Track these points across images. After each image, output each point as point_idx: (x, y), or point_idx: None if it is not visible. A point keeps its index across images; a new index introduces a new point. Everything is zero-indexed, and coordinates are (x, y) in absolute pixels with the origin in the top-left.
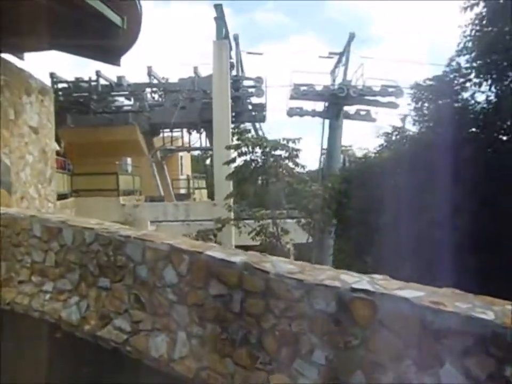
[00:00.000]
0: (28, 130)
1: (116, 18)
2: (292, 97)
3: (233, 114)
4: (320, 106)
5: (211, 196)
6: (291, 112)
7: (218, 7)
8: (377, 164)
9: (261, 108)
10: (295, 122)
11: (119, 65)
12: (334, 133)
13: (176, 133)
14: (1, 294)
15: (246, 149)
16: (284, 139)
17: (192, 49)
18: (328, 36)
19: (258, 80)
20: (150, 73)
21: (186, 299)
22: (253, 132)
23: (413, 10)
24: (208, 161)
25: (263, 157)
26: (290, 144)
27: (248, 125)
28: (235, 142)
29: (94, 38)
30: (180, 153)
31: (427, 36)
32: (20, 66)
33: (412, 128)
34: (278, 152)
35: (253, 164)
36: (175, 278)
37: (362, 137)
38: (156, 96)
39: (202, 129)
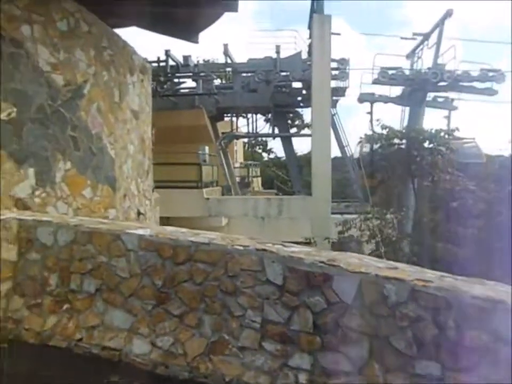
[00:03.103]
0: (130, 115)
1: None
2: (376, 82)
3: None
4: (393, 92)
5: (264, 184)
6: (363, 98)
7: None
8: None
9: (342, 92)
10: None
11: (197, 42)
12: (416, 122)
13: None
14: (212, 364)
15: (393, 140)
16: (441, 130)
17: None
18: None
19: (343, 62)
20: (226, 52)
21: None
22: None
23: None
24: (257, 148)
25: (414, 151)
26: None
27: None
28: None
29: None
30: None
31: None
32: (124, 40)
33: None
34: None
35: (406, 157)
36: None
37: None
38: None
39: (271, 115)
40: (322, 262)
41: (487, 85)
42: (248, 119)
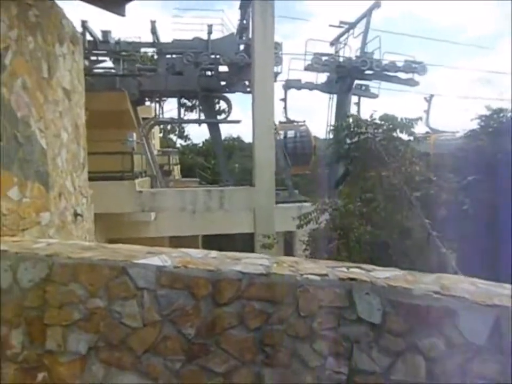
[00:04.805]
0: (62, 95)
1: None
2: (308, 68)
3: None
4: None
5: (182, 172)
6: (289, 85)
7: None
8: None
9: (275, 77)
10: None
11: (123, 14)
12: (343, 110)
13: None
14: None
15: (358, 129)
16: (405, 118)
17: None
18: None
19: (276, 46)
20: (154, 30)
21: None
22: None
23: None
24: (172, 136)
25: (381, 139)
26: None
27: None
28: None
29: None
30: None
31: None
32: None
33: None
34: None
35: (372, 147)
36: None
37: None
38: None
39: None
40: (437, 292)
41: (409, 75)
42: (161, 105)
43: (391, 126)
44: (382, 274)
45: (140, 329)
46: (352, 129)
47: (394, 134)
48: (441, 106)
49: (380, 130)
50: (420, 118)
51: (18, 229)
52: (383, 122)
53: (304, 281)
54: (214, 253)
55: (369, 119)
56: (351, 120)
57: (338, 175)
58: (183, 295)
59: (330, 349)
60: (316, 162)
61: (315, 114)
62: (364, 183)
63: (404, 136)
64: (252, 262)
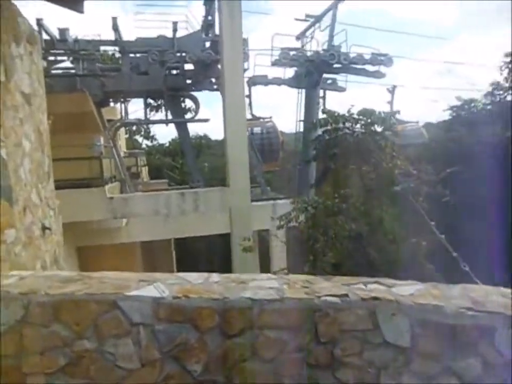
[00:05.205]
0: (21, 100)
1: None
2: (276, 63)
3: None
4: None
5: (150, 173)
6: (254, 81)
7: None
8: None
9: None
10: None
11: (82, 11)
12: (312, 104)
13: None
14: None
15: (335, 125)
16: (383, 112)
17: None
18: None
19: (243, 42)
20: (116, 27)
21: None
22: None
23: None
24: (138, 137)
25: (359, 134)
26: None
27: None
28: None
29: None
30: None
31: None
32: None
33: None
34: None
35: (352, 142)
36: None
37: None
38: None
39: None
40: (470, 308)
41: (376, 68)
42: (125, 105)
43: (369, 121)
44: (405, 290)
45: (137, 370)
46: (330, 125)
47: (373, 128)
48: (403, 97)
49: (358, 125)
50: (398, 112)
51: None
52: (361, 117)
53: (322, 304)
54: (215, 277)
55: (346, 114)
56: (327, 115)
57: (311, 171)
58: (185, 328)
59: (355, 377)
60: (284, 159)
61: (280, 110)
62: (344, 180)
63: (381, 130)
64: (260, 286)
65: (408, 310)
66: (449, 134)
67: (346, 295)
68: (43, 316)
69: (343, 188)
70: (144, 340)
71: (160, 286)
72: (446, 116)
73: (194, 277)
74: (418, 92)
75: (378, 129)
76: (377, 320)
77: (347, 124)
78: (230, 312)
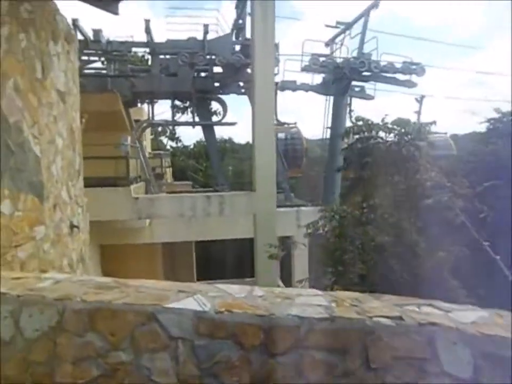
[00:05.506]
0: (56, 98)
1: None
2: (306, 69)
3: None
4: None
5: (174, 175)
6: (284, 86)
7: None
8: None
9: None
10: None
11: (117, 13)
12: (340, 112)
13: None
14: None
15: (369, 133)
16: (420, 123)
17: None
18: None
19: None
20: (148, 29)
21: None
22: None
23: None
24: (163, 138)
25: (393, 144)
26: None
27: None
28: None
29: None
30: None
31: None
32: None
33: None
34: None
35: (385, 152)
36: None
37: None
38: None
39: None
40: None
41: (407, 77)
42: (152, 106)
43: (403, 131)
44: (466, 316)
45: None
46: (363, 133)
47: (406, 138)
48: (431, 107)
49: (392, 134)
50: (434, 122)
51: (11, 246)
52: (395, 126)
53: (375, 327)
54: (259, 290)
55: (380, 123)
56: (362, 123)
57: (337, 179)
58: (227, 345)
59: None
60: (308, 165)
61: (303, 116)
62: (375, 190)
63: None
64: (308, 303)
65: (471, 339)
66: (485, 146)
67: (401, 318)
68: (78, 324)
69: (373, 198)
70: (182, 355)
71: (200, 299)
72: (481, 127)
73: (236, 290)
74: (446, 102)
75: (413, 139)
76: (436, 348)
77: (380, 133)
78: (276, 329)
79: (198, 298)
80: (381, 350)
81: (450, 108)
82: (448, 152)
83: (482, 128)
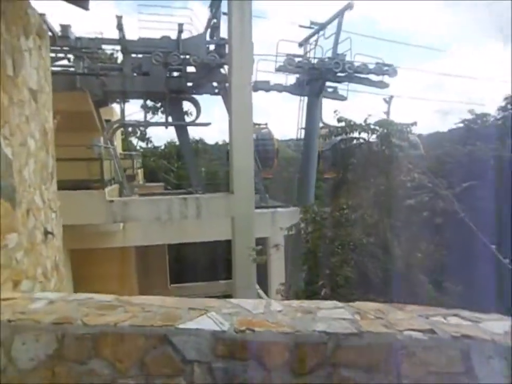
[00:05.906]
0: (28, 96)
1: None
2: (282, 69)
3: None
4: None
5: (145, 176)
6: (257, 86)
7: None
8: None
9: None
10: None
11: (87, 8)
12: (313, 113)
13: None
14: None
15: (351, 135)
16: (401, 124)
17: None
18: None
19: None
20: (120, 26)
21: None
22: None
23: None
24: (133, 139)
25: (376, 145)
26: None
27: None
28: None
29: None
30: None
31: None
32: None
33: None
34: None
35: (369, 153)
36: None
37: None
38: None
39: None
40: None
41: (379, 78)
42: (123, 106)
43: (385, 131)
44: (497, 326)
45: None
46: (345, 134)
47: (390, 139)
48: (398, 107)
49: (374, 135)
50: (415, 123)
51: None
52: (377, 127)
53: (407, 341)
54: (276, 304)
55: (363, 124)
56: (345, 124)
57: (311, 180)
58: (249, 366)
59: None
60: (278, 166)
61: (274, 117)
62: (357, 191)
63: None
64: (331, 316)
65: (507, 352)
66: (462, 147)
67: (433, 331)
68: (81, 351)
69: (358, 199)
70: (199, 379)
71: (216, 317)
72: (444, 128)
73: (252, 305)
74: (412, 102)
75: (395, 140)
76: (471, 363)
77: (363, 134)
78: (302, 347)
79: (213, 316)
80: (413, 365)
81: (417, 108)
82: (416, 151)
83: (445, 128)
